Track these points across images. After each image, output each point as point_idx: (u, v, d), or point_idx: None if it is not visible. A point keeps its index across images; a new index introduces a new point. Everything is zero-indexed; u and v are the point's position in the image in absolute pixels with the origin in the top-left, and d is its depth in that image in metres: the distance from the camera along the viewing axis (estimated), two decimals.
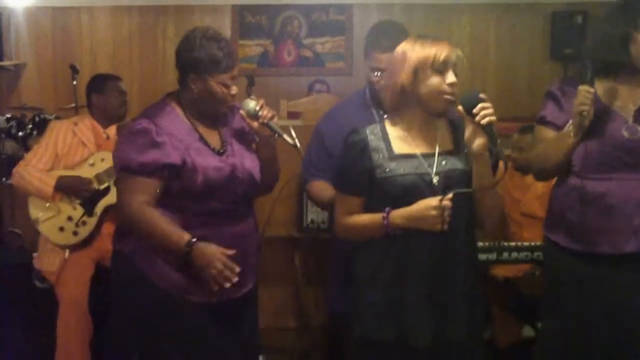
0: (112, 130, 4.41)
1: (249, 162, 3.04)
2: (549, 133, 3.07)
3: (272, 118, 2.94)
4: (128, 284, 2.98)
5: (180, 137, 2.89)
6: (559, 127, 3.02)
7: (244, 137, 3.09)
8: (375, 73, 3.34)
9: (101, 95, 4.41)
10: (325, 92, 5.63)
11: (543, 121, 3.10)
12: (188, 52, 2.91)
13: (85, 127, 4.36)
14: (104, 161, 4.23)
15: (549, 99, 3.12)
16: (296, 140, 3.15)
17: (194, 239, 2.79)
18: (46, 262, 4.22)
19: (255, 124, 2.94)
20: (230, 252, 2.80)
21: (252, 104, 2.93)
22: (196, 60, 2.88)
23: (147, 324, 2.96)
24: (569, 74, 5.37)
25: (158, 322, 2.94)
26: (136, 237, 2.95)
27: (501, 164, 2.72)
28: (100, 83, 4.45)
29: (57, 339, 4.10)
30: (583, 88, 2.87)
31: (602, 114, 2.96)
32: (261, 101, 2.95)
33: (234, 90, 2.93)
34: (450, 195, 2.56)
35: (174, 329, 2.95)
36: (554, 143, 3.02)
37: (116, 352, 3.16)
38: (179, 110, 2.98)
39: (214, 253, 2.79)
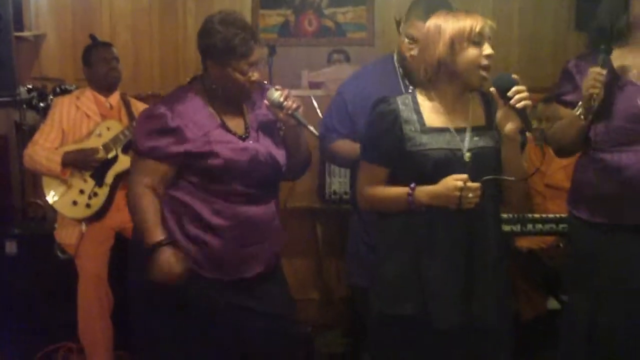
0: (114, 98, 4.45)
1: (273, 147, 3.03)
2: (564, 111, 3.07)
3: (296, 109, 2.92)
4: (143, 254, 2.97)
5: (200, 123, 2.88)
6: (573, 105, 3.00)
7: (270, 122, 3.07)
8: (410, 41, 3.28)
9: (90, 67, 4.45)
10: (343, 61, 5.58)
11: (558, 99, 3.10)
12: (205, 37, 2.90)
13: (87, 99, 4.38)
14: (110, 130, 4.26)
15: (564, 76, 3.11)
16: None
17: (164, 243, 2.84)
18: (65, 235, 4.25)
19: (280, 114, 2.92)
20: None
21: (276, 95, 2.91)
22: (212, 46, 2.87)
23: (160, 296, 2.96)
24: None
25: (170, 295, 2.94)
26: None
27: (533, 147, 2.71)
28: (87, 55, 4.49)
29: (78, 310, 4.13)
30: (593, 70, 2.84)
31: (616, 86, 2.93)
32: (286, 91, 2.92)
33: (254, 76, 2.90)
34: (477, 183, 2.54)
35: (186, 302, 2.95)
36: (566, 124, 3.02)
37: (134, 324, 3.17)
38: (201, 96, 2.97)
39: (164, 266, 2.83)
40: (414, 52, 3.12)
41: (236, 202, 2.93)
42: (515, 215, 3.96)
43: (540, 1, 5.63)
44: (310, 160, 3.24)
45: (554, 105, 3.15)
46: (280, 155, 3.04)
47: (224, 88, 2.93)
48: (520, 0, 5.61)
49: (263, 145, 3.00)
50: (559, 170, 4.37)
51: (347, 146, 3.43)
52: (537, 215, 4.03)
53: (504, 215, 3.83)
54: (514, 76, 2.56)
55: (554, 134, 3.11)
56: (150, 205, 2.89)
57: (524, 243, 4.27)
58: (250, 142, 2.98)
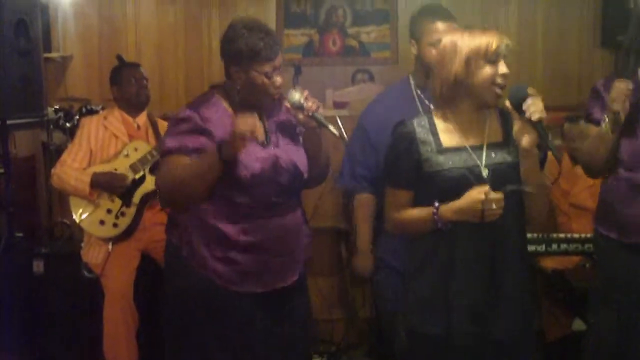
0: (141, 119, 4.46)
1: (294, 153, 3.03)
2: (593, 129, 3.04)
3: (317, 109, 2.91)
4: (177, 274, 3.01)
5: (223, 128, 2.88)
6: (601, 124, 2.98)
7: (289, 128, 3.08)
8: (436, 43, 3.29)
9: (119, 86, 4.47)
10: (367, 81, 5.59)
11: (588, 118, 3.09)
12: (229, 43, 2.92)
13: (115, 119, 4.41)
14: (138, 150, 4.29)
15: (592, 95, 3.11)
16: (342, 130, 3.13)
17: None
18: (91, 254, 4.28)
19: (300, 116, 2.91)
20: None
21: (296, 96, 2.90)
22: (237, 51, 2.89)
23: (193, 314, 2.98)
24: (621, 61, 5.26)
25: (204, 312, 2.97)
26: (183, 227, 2.99)
27: (551, 159, 2.68)
28: (116, 74, 4.52)
29: (104, 329, 4.16)
30: (618, 84, 2.82)
31: None
32: (306, 92, 2.92)
33: (278, 81, 2.92)
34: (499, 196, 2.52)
35: (219, 320, 2.97)
36: (595, 141, 3.01)
37: (167, 342, 3.17)
38: (223, 102, 2.99)
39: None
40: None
41: (262, 215, 2.94)
42: (540, 235, 3.93)
43: (565, 17, 5.59)
44: (329, 166, 3.23)
45: (582, 124, 3.13)
46: (301, 161, 3.05)
47: (248, 93, 2.94)
48: (544, 16, 5.57)
49: (284, 151, 3.01)
50: (584, 190, 4.34)
51: (366, 208, 3.59)
52: (562, 235, 4.00)
53: (528, 235, 3.80)
54: (530, 90, 2.54)
55: (583, 153, 3.09)
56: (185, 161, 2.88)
57: (548, 263, 4.25)
58: (271, 148, 2.99)
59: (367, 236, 3.61)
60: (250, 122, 2.80)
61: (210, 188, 2.87)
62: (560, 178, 4.37)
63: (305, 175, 3.07)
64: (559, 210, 4.47)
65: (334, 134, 2.92)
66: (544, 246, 3.96)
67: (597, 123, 3.02)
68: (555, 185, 4.30)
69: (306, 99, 2.90)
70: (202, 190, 2.86)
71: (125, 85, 4.45)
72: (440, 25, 3.30)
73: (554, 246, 3.97)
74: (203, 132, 2.88)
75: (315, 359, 4.63)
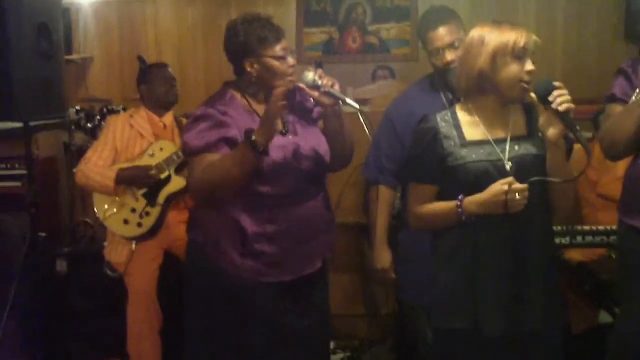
0: (168, 118, 4.46)
1: (314, 140, 3.04)
2: (619, 109, 2.97)
3: (333, 86, 2.90)
4: (201, 272, 3.02)
5: (242, 122, 2.89)
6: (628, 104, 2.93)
7: (306, 116, 3.10)
8: (438, 54, 3.32)
9: (148, 86, 4.47)
10: (388, 78, 5.58)
11: (613, 98, 3.02)
12: (235, 39, 2.95)
13: (141, 118, 4.41)
14: (163, 150, 4.28)
15: (619, 75, 3.04)
16: (364, 118, 3.13)
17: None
18: (114, 253, 4.29)
19: (316, 94, 2.90)
20: None
21: (311, 75, 2.91)
22: (246, 43, 2.92)
23: (219, 311, 3.00)
24: None
25: (230, 308, 2.98)
26: (206, 225, 3.01)
27: (578, 150, 2.66)
28: (145, 74, 4.52)
29: (128, 327, 4.18)
30: None
31: None
32: (320, 71, 2.93)
33: (291, 61, 2.96)
34: (523, 186, 2.51)
35: (244, 314, 2.98)
36: (622, 115, 2.92)
37: (190, 340, 3.18)
38: (238, 96, 3.01)
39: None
40: (450, 57, 3.17)
41: (286, 203, 2.94)
42: (565, 228, 3.90)
43: (586, 9, 5.53)
44: (354, 146, 3.21)
45: (607, 107, 3.07)
46: (322, 146, 3.05)
47: (266, 81, 2.96)
48: (565, 8, 5.51)
49: (304, 139, 3.02)
50: (615, 181, 4.28)
51: (383, 199, 3.61)
52: (587, 228, 3.96)
53: (553, 227, 3.78)
54: (556, 83, 2.52)
55: (607, 130, 2.98)
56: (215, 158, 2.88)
57: (574, 255, 4.21)
58: (291, 137, 3.00)
59: (384, 230, 3.60)
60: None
61: (247, 177, 2.85)
62: (588, 169, 4.34)
63: (327, 159, 3.07)
64: (585, 202, 4.42)
65: (353, 108, 2.90)
66: (568, 238, 3.92)
67: (622, 102, 2.97)
68: (582, 176, 4.26)
69: (320, 77, 2.90)
70: (240, 181, 2.85)
71: (155, 85, 4.46)
72: (441, 32, 3.34)
73: (579, 238, 3.93)
74: (223, 125, 2.90)
75: (338, 354, 4.63)
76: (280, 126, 2.89)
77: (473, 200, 2.57)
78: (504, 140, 2.64)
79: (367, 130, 3.16)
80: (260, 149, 2.74)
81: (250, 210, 2.93)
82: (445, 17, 3.37)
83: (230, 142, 2.89)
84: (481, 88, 2.61)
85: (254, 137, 2.74)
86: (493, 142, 2.63)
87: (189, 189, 3.15)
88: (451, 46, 3.30)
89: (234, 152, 2.83)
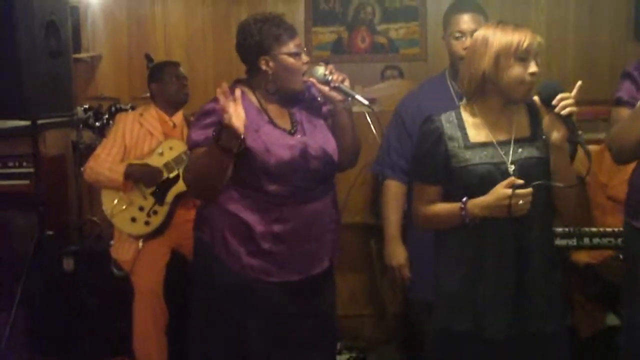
0: (178, 117, 4.44)
1: (322, 139, 3.03)
2: (625, 113, 2.95)
3: (342, 81, 2.90)
4: (209, 270, 3.01)
5: (250, 119, 2.87)
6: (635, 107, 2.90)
7: (315, 115, 3.08)
8: (458, 36, 3.30)
9: (159, 84, 4.44)
10: (397, 78, 5.58)
11: (620, 102, 2.99)
12: (250, 39, 2.93)
13: (151, 116, 4.39)
14: (173, 149, 4.27)
15: (624, 78, 3.01)
16: (372, 118, 3.11)
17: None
18: (121, 251, 4.28)
19: (326, 89, 2.90)
20: None
21: (321, 70, 2.91)
22: (260, 42, 2.90)
23: (227, 309, 2.99)
24: None
25: (238, 307, 2.97)
26: (211, 226, 3.00)
27: (580, 153, 2.64)
28: (156, 72, 4.50)
29: (134, 325, 4.17)
30: None
31: None
32: (330, 66, 2.92)
33: (305, 58, 2.94)
34: (521, 182, 2.50)
35: (252, 312, 2.97)
36: (629, 120, 2.89)
37: (194, 338, 3.17)
38: (248, 93, 2.99)
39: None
40: (464, 49, 3.15)
41: (293, 203, 2.93)
42: (571, 229, 3.88)
43: (597, 10, 5.52)
44: (360, 145, 3.20)
45: (613, 110, 3.04)
46: (330, 145, 3.04)
47: (282, 78, 2.95)
48: (575, 8, 5.50)
49: (311, 138, 3.00)
50: (624, 184, 4.26)
51: (393, 195, 3.55)
52: (593, 229, 3.94)
53: (560, 229, 3.78)
54: (566, 94, 2.50)
55: (615, 135, 2.97)
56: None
57: (581, 257, 4.19)
58: (299, 136, 2.99)
59: (397, 225, 3.57)
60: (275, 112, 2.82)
61: (224, 177, 2.82)
62: (599, 171, 4.32)
63: (336, 159, 3.06)
64: (594, 204, 4.40)
65: (362, 103, 2.89)
66: (575, 240, 3.90)
67: (628, 105, 2.94)
68: (592, 178, 4.24)
69: (331, 72, 2.90)
70: (215, 176, 2.81)
71: (167, 83, 4.43)
72: (465, 17, 3.31)
73: (586, 240, 3.90)
74: None
75: (344, 355, 4.61)
76: (242, 129, 2.77)
77: (476, 203, 2.56)
78: (507, 143, 2.62)
79: (374, 128, 3.14)
80: (224, 146, 2.71)
81: (257, 209, 2.92)
82: (475, 8, 3.36)
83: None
84: (485, 89, 2.60)
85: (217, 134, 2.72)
86: (497, 145, 2.62)
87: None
88: (473, 34, 3.28)
89: (208, 147, 2.81)
